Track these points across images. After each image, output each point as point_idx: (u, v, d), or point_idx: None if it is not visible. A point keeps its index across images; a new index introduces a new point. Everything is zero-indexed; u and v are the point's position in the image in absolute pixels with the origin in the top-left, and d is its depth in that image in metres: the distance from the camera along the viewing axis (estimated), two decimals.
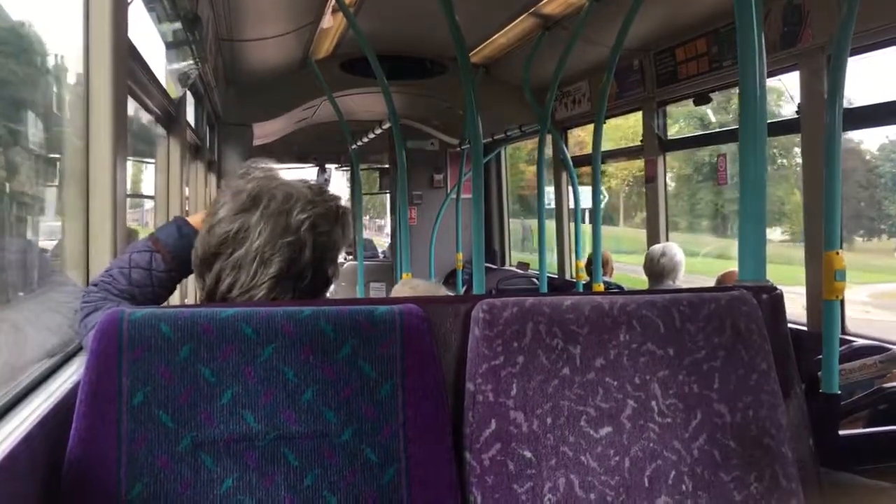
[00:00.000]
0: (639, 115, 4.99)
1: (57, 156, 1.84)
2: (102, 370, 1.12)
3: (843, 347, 2.64)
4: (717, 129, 4.81)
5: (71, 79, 1.77)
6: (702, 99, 4.51)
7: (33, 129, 1.72)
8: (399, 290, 2.57)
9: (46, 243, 1.83)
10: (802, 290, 3.37)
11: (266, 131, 6.99)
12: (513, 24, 5.11)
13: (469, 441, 1.28)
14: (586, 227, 5.36)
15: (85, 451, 1.10)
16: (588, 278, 4.73)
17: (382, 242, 12.97)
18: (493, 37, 5.49)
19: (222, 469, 1.14)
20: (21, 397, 1.21)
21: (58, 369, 1.41)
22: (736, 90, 3.06)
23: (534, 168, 6.36)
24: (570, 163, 5.49)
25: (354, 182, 8.67)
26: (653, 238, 4.82)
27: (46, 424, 1.11)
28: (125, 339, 1.13)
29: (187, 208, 3.79)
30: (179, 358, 1.14)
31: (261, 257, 1.29)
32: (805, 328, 3.33)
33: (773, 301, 1.49)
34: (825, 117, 2.39)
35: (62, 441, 1.11)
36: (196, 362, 1.15)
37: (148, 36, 2.79)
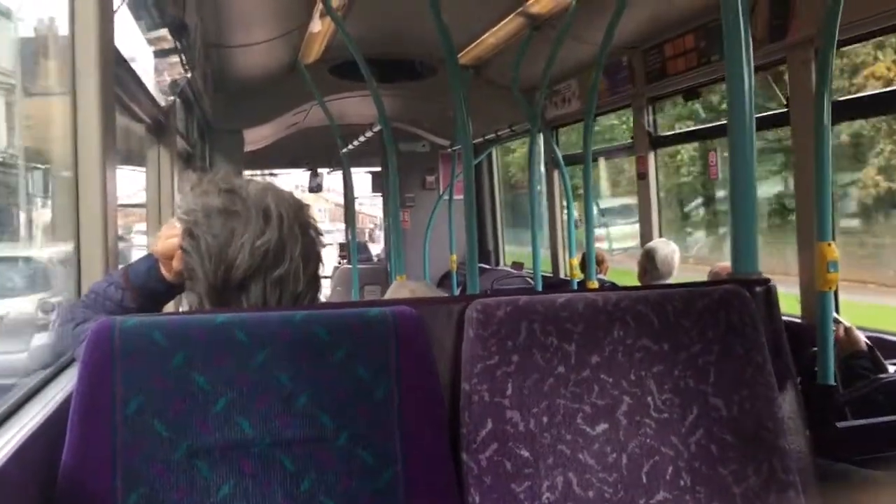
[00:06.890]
0: None
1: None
2: (95, 379, 1.12)
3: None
4: (707, 125, 4.81)
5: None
6: (691, 95, 4.52)
7: None
8: (395, 292, 2.55)
9: None
10: None
11: (257, 137, 6.98)
12: (501, 24, 5.11)
13: (466, 441, 1.28)
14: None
15: (79, 461, 1.10)
16: (582, 276, 4.72)
17: None
18: (482, 37, 5.49)
19: (218, 476, 1.13)
20: (13, 410, 1.20)
21: (51, 381, 1.41)
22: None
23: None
24: (562, 162, 5.49)
25: (347, 186, 8.66)
26: (646, 235, 4.82)
27: (40, 436, 1.10)
28: (118, 348, 1.13)
29: None
30: (173, 366, 1.14)
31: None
32: (800, 320, 3.33)
33: (767, 294, 1.49)
34: (814, 110, 2.39)
35: (56, 453, 1.10)
36: (190, 370, 1.14)
37: (136, 44, 2.78)
